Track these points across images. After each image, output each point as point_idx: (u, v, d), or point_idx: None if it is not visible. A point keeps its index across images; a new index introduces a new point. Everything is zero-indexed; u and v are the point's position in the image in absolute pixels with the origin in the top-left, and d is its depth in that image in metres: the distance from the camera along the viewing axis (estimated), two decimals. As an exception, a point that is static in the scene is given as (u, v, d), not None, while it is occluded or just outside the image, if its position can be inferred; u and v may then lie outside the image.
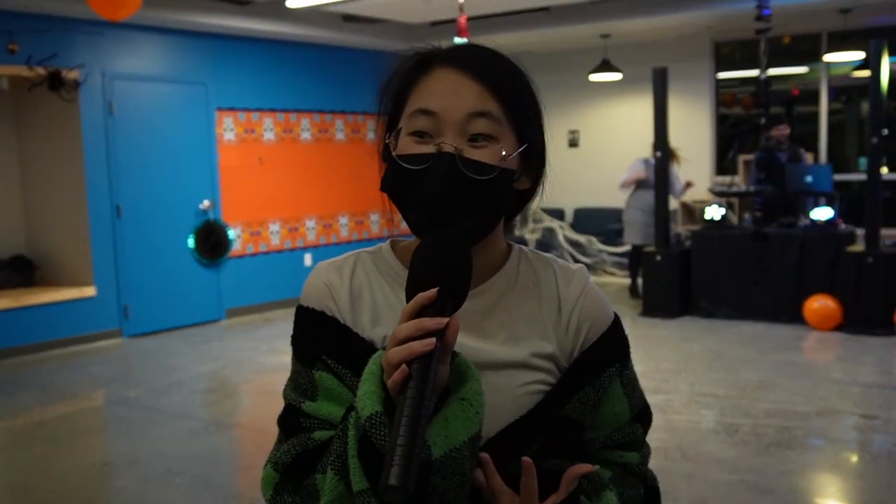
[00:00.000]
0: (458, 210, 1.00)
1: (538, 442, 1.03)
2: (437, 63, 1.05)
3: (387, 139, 1.06)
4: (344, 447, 0.94)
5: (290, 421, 1.07)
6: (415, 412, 0.83)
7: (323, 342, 1.07)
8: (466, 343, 1.03)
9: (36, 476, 4.30)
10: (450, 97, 1.02)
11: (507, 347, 1.06)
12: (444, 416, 0.91)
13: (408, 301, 0.93)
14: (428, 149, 1.01)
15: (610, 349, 1.11)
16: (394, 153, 1.04)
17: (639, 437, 1.15)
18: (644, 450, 1.17)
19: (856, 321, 6.71)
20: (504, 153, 1.02)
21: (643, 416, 1.16)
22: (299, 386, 1.08)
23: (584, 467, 1.03)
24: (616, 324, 1.13)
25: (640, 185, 8.10)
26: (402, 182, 1.03)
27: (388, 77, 1.09)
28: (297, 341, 1.11)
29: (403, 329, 0.89)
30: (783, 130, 7.81)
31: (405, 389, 0.85)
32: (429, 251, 0.96)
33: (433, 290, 0.91)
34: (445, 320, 0.89)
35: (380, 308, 1.08)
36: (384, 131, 1.09)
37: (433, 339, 0.87)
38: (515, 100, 1.05)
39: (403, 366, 0.86)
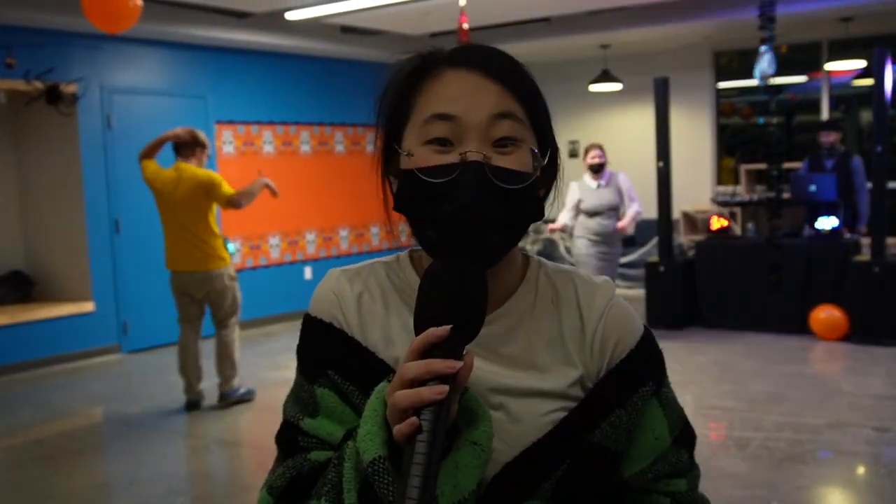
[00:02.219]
0: (490, 224, 0.92)
1: (560, 470, 0.95)
2: (446, 65, 0.97)
3: (402, 152, 0.97)
4: (339, 477, 0.89)
5: (288, 439, 1.01)
6: (426, 471, 0.76)
7: (329, 356, 1.00)
8: (485, 368, 0.97)
9: (34, 497, 4.21)
10: (469, 99, 0.94)
11: (529, 374, 0.99)
12: (453, 461, 0.84)
13: (416, 333, 0.85)
14: (451, 158, 0.92)
15: (640, 367, 1.02)
16: (409, 166, 0.95)
17: (684, 462, 1.06)
18: (693, 473, 1.08)
19: (863, 331, 6.65)
20: (534, 156, 0.95)
21: (685, 436, 1.06)
22: (300, 399, 1.01)
23: None
24: (646, 339, 1.04)
25: (581, 210, 6.79)
26: (422, 198, 0.93)
27: (387, 83, 1.01)
28: (301, 352, 1.04)
29: (412, 369, 0.81)
30: (829, 137, 7.54)
31: (413, 439, 0.79)
32: (441, 282, 0.87)
33: (445, 328, 0.83)
34: (459, 364, 0.81)
35: (392, 327, 1.01)
36: (384, 144, 1.00)
37: (445, 388, 0.80)
38: (533, 100, 0.98)
39: (413, 418, 0.79)
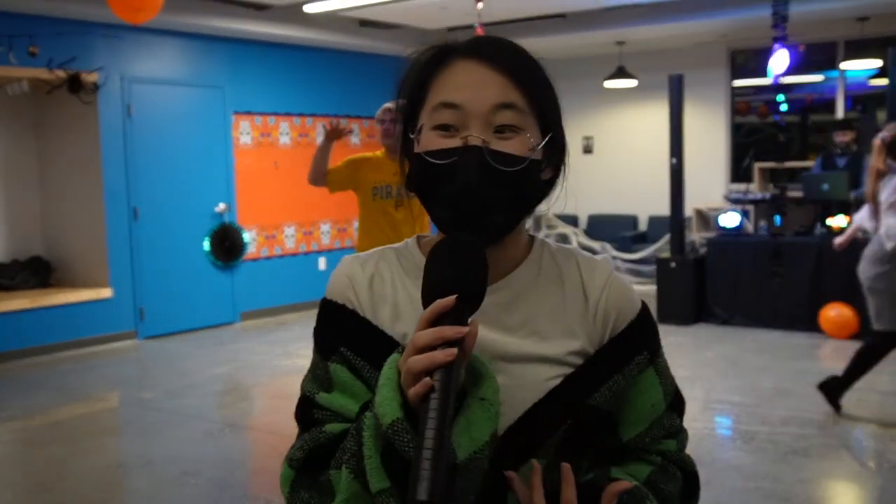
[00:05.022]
0: (489, 204, 1.00)
1: (561, 430, 1.03)
2: (457, 56, 1.04)
3: (411, 135, 1.05)
4: (359, 447, 0.95)
5: (304, 413, 1.08)
6: (440, 424, 0.84)
7: (342, 334, 1.08)
8: (489, 336, 1.03)
9: (52, 476, 4.32)
10: (474, 89, 1.01)
11: (531, 341, 1.06)
12: (466, 417, 0.91)
13: (424, 306, 0.93)
14: (454, 142, 1.00)
15: (638, 337, 1.10)
16: (417, 149, 1.03)
17: (676, 426, 1.14)
18: (682, 435, 1.16)
19: (872, 330, 6.64)
20: (532, 142, 1.02)
21: (676, 402, 1.14)
22: (317, 377, 1.09)
23: (624, 484, 1.03)
24: (644, 313, 1.12)
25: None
26: (428, 178, 1.02)
27: (405, 72, 1.08)
28: (317, 333, 1.12)
29: (423, 337, 0.89)
30: (845, 136, 7.58)
31: (427, 399, 0.86)
32: (444, 256, 0.95)
33: (451, 298, 0.90)
34: (466, 329, 0.89)
35: (401, 304, 1.09)
36: (404, 128, 1.08)
37: (455, 350, 0.87)
38: (537, 91, 1.04)
39: (427, 378, 0.87)
